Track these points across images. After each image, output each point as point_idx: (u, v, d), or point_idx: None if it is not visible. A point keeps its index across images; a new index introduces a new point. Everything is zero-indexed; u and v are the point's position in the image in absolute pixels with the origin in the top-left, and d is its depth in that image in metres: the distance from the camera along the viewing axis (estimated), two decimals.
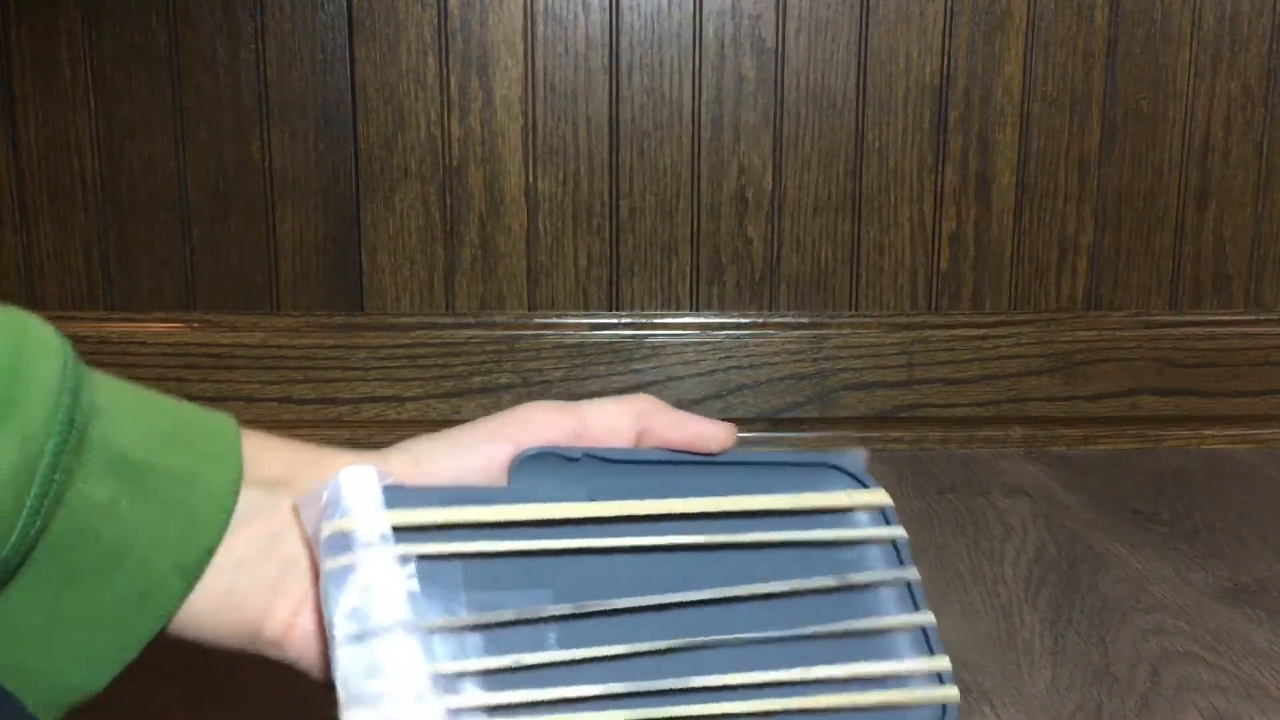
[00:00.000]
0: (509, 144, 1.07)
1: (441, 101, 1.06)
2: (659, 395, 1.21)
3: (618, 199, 1.08)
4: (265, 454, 0.37)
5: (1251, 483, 1.01)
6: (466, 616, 0.34)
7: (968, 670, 0.66)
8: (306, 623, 0.36)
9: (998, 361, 1.11)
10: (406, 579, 0.34)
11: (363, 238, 1.08)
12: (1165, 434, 1.12)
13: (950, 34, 1.07)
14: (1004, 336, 1.11)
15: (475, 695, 0.33)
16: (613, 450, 0.38)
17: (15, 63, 1.04)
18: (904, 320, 1.10)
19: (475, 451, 0.37)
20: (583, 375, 1.09)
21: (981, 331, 1.11)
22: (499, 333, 1.08)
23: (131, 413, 0.35)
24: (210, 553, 0.35)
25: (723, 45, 1.06)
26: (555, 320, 1.09)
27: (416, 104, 1.06)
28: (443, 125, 1.06)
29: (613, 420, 0.39)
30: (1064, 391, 1.12)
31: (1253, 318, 1.12)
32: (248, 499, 0.35)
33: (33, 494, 0.31)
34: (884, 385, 1.10)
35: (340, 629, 0.33)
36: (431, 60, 1.05)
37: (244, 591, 0.36)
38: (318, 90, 1.06)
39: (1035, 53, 1.08)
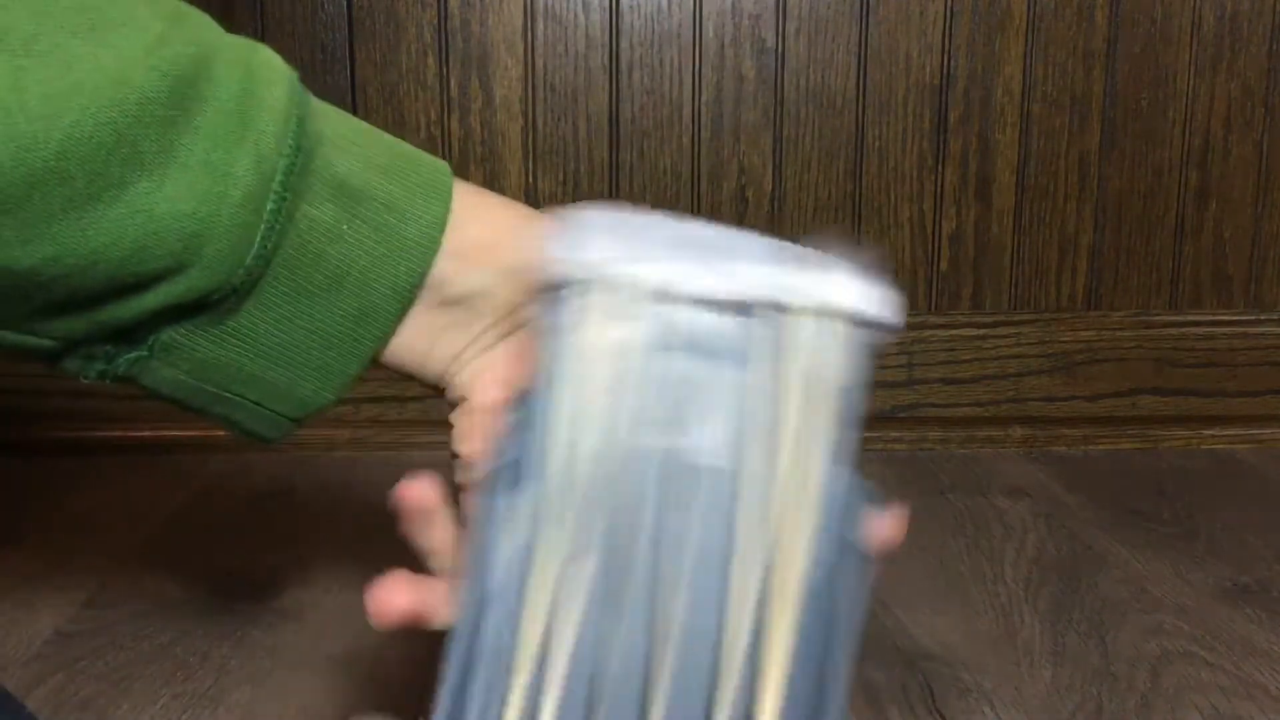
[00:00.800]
0: (509, 144, 1.07)
1: (441, 101, 1.06)
2: None
3: (618, 199, 1.08)
4: (473, 222, 0.39)
5: (1251, 483, 1.01)
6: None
7: (968, 670, 0.66)
8: (486, 395, 0.39)
9: (998, 361, 1.11)
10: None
11: None
12: (1165, 434, 1.12)
13: (950, 34, 1.07)
14: (1004, 336, 1.11)
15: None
16: None
17: None
18: (904, 320, 1.10)
19: None
20: None
21: (981, 331, 1.11)
22: None
23: (352, 143, 0.37)
24: (420, 278, 0.37)
25: (723, 45, 1.06)
26: None
27: (416, 104, 1.06)
28: (443, 125, 1.06)
29: None
30: (1064, 391, 1.12)
31: (1253, 318, 1.12)
32: (470, 280, 0.38)
33: (268, 209, 0.34)
34: (884, 385, 1.10)
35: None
36: (431, 60, 1.05)
37: (441, 352, 0.39)
38: (318, 90, 1.05)
39: (1035, 53, 1.08)
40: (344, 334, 0.37)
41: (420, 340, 0.39)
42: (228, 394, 0.38)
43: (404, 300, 0.37)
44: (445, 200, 0.38)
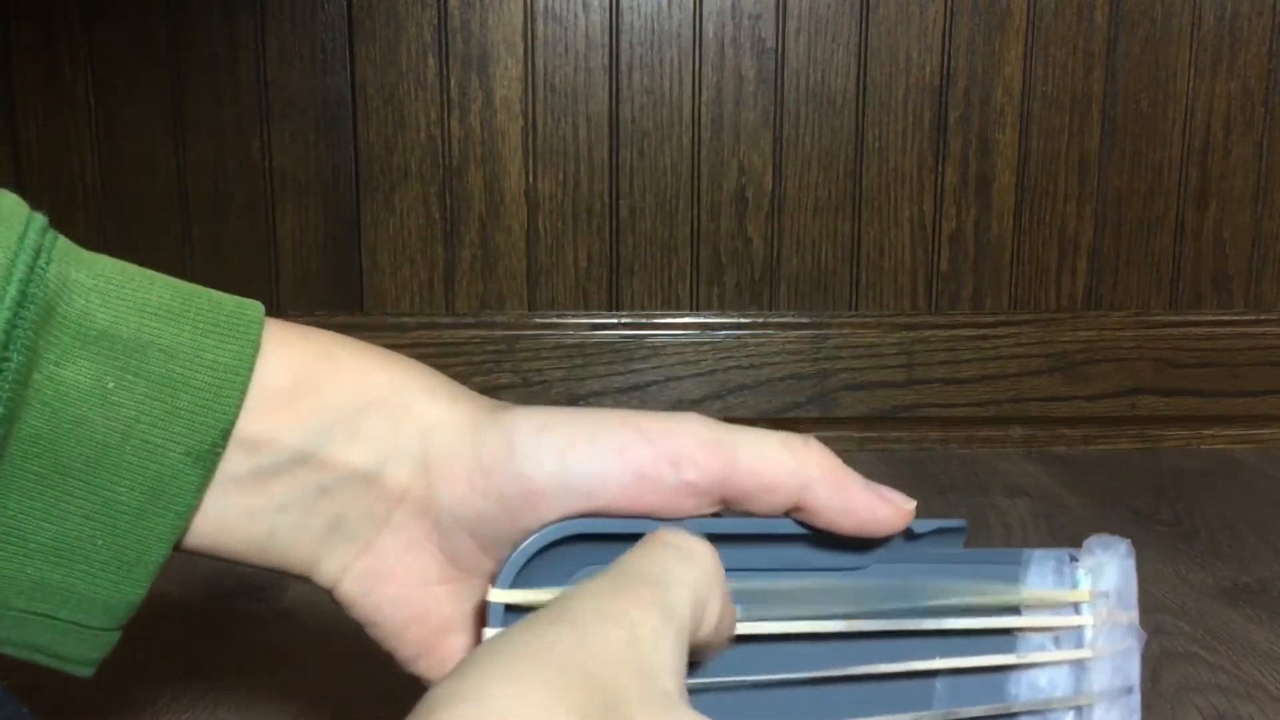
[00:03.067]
0: (509, 144, 1.07)
1: (441, 101, 1.06)
2: (659, 396, 1.20)
3: (618, 199, 1.08)
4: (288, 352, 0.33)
5: (1251, 483, 1.01)
6: None
7: None
8: (353, 583, 0.34)
9: (998, 361, 1.11)
10: None
11: (363, 238, 1.08)
12: (1165, 434, 1.12)
13: (950, 34, 1.07)
14: (1004, 336, 1.11)
15: None
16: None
17: (15, 62, 1.04)
18: (904, 320, 1.10)
19: (590, 464, 0.32)
20: (583, 375, 1.09)
21: (981, 331, 1.11)
22: (499, 333, 1.08)
23: (121, 289, 0.31)
24: (221, 434, 0.31)
25: (723, 45, 1.06)
26: (555, 320, 1.09)
27: (416, 104, 1.06)
28: (443, 125, 1.06)
29: (773, 479, 0.32)
30: (1064, 391, 1.12)
31: (1253, 318, 1.12)
32: (289, 439, 0.32)
33: None
34: (884, 385, 1.10)
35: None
36: (431, 60, 1.05)
37: (287, 539, 0.33)
38: (318, 90, 1.06)
39: (1035, 53, 1.08)
40: (134, 515, 0.30)
41: (247, 525, 0.32)
42: (11, 612, 0.31)
43: (204, 464, 0.31)
44: (247, 338, 0.31)
